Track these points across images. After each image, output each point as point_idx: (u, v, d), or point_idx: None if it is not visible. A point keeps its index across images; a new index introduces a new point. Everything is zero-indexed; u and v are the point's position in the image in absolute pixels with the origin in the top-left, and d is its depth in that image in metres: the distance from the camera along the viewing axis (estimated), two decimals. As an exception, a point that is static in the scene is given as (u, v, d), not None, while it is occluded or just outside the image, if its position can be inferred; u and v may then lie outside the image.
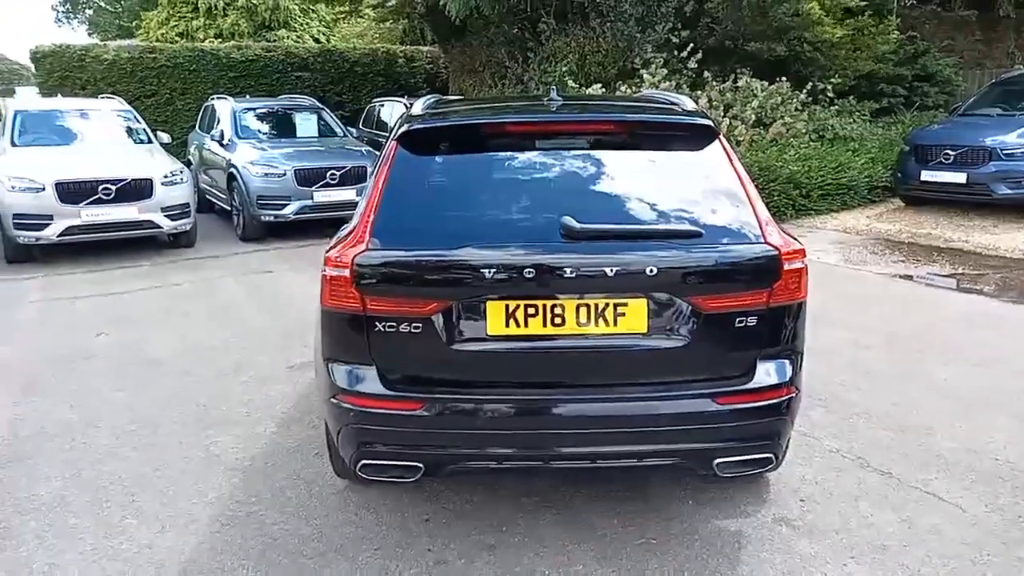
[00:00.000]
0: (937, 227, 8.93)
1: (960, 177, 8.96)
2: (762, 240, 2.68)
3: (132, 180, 8.05)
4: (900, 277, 7.07)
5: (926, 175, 9.28)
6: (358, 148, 10.15)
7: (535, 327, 2.64)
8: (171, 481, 3.47)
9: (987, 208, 9.19)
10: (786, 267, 2.66)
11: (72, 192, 7.77)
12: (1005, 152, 8.71)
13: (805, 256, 2.74)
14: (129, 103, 10.77)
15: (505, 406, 2.72)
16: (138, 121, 9.78)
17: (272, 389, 4.51)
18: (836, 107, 11.95)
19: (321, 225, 8.53)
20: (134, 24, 25.01)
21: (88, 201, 7.82)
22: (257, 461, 3.65)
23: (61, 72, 14.45)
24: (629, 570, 2.79)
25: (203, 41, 18.85)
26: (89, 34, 35.59)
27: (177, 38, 19.95)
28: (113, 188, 7.89)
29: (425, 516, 3.15)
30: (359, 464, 2.78)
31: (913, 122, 12.13)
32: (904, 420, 3.95)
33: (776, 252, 2.65)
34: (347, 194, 8.83)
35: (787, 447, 2.96)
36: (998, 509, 3.14)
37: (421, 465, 2.76)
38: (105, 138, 9.20)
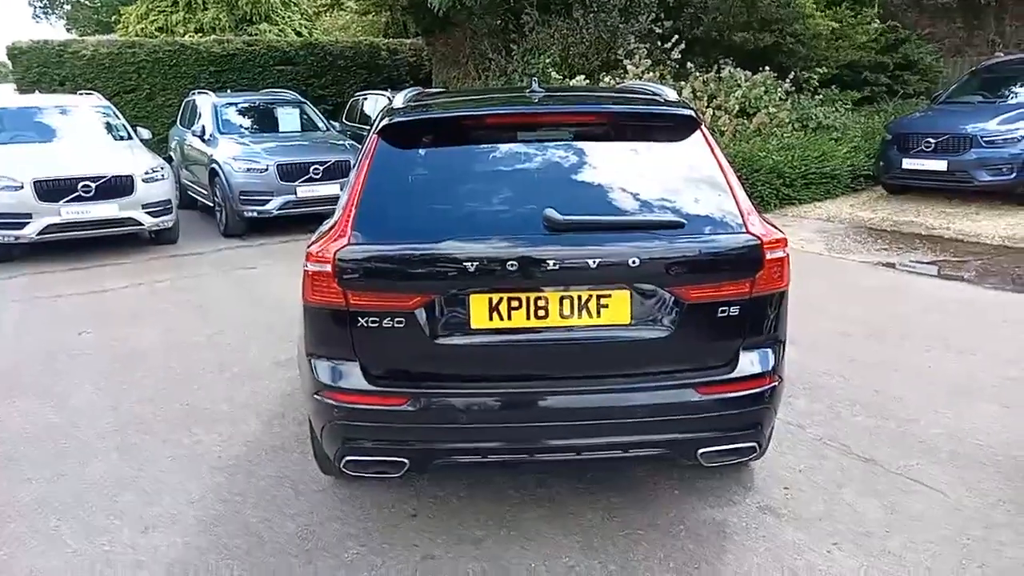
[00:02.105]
0: (919, 215, 8.98)
1: (941, 165, 9.01)
2: (744, 230, 2.68)
3: (112, 177, 7.96)
4: (883, 265, 7.12)
5: (908, 163, 9.33)
6: (341, 142, 10.09)
7: (519, 320, 2.63)
8: (154, 481, 3.45)
9: (968, 195, 9.25)
10: (768, 256, 2.67)
11: (51, 190, 7.68)
12: (985, 139, 8.77)
13: (787, 245, 2.75)
14: (108, 99, 10.64)
15: (490, 399, 2.72)
16: (118, 117, 9.67)
17: (256, 386, 4.48)
18: (819, 96, 11.99)
19: (304, 220, 8.46)
20: (113, 19, 24.67)
21: (68, 199, 7.72)
22: (241, 459, 3.63)
23: (39, 68, 14.26)
24: (615, 561, 2.80)
25: (183, 35, 18.60)
26: (67, 30, 35.05)
27: (157, 33, 19.68)
28: (93, 185, 7.80)
29: (411, 511, 3.14)
30: (344, 460, 2.77)
31: (895, 110, 12.17)
32: (887, 407, 3.98)
33: (758, 242, 2.66)
34: (330, 189, 8.77)
35: (771, 436, 2.98)
36: (980, 494, 3.17)
37: (406, 460, 2.75)
38: (84, 135, 9.08)
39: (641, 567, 2.77)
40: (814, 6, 11.93)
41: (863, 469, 3.39)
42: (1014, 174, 8.61)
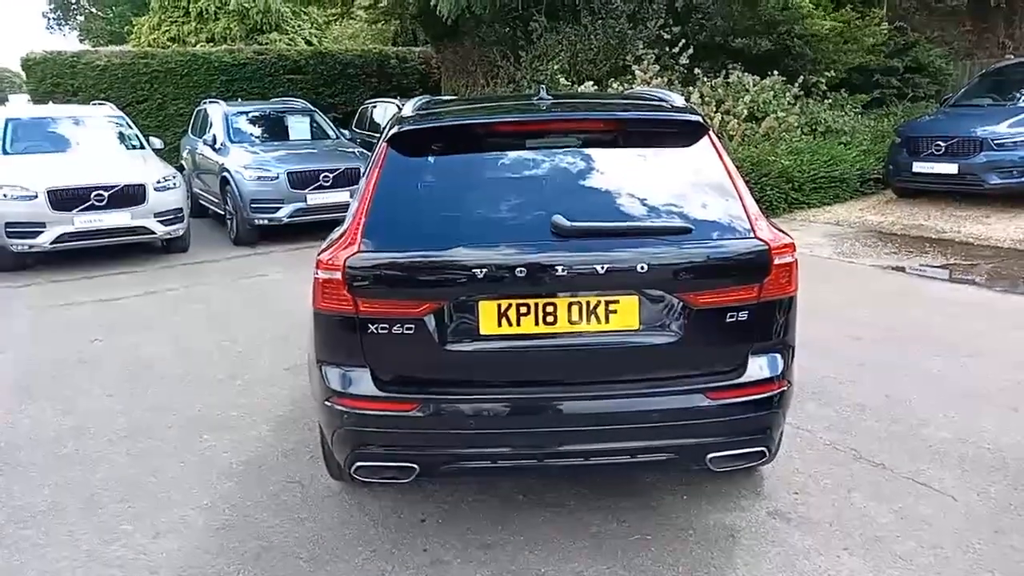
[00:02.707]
0: (929, 218, 8.95)
1: (951, 168, 8.99)
2: (752, 235, 2.69)
3: (125, 186, 8.04)
4: (892, 269, 7.09)
5: (918, 166, 9.31)
6: (351, 150, 10.15)
7: (528, 326, 2.64)
8: (166, 486, 3.48)
9: (979, 198, 9.21)
10: (776, 261, 2.67)
11: (65, 199, 7.76)
12: (996, 142, 8.74)
13: (795, 250, 2.75)
14: (121, 109, 10.75)
15: (499, 405, 2.73)
16: (130, 127, 9.76)
17: (266, 392, 4.51)
18: (828, 100, 11.96)
19: (315, 228, 8.50)
20: (125, 30, 24.95)
21: (81, 208, 7.80)
22: (252, 465, 3.65)
23: (53, 79, 14.45)
24: (624, 566, 2.80)
25: (195, 45, 18.81)
26: (80, 40, 35.43)
27: (169, 43, 19.92)
28: (106, 194, 7.88)
29: (420, 516, 3.15)
30: (354, 466, 2.79)
31: (905, 114, 12.14)
32: (896, 412, 3.97)
33: (766, 247, 2.66)
34: (340, 196, 8.79)
35: (780, 441, 2.98)
36: (989, 498, 3.15)
37: (416, 466, 2.76)
38: (97, 144, 9.17)
39: (649, 572, 2.77)
40: (812, 6, 11.88)
41: (873, 473, 3.38)
42: (1024, 177, 8.58)
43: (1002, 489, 3.21)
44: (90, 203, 7.82)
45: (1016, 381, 4.31)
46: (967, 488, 3.23)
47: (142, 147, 9.43)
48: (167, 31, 20.67)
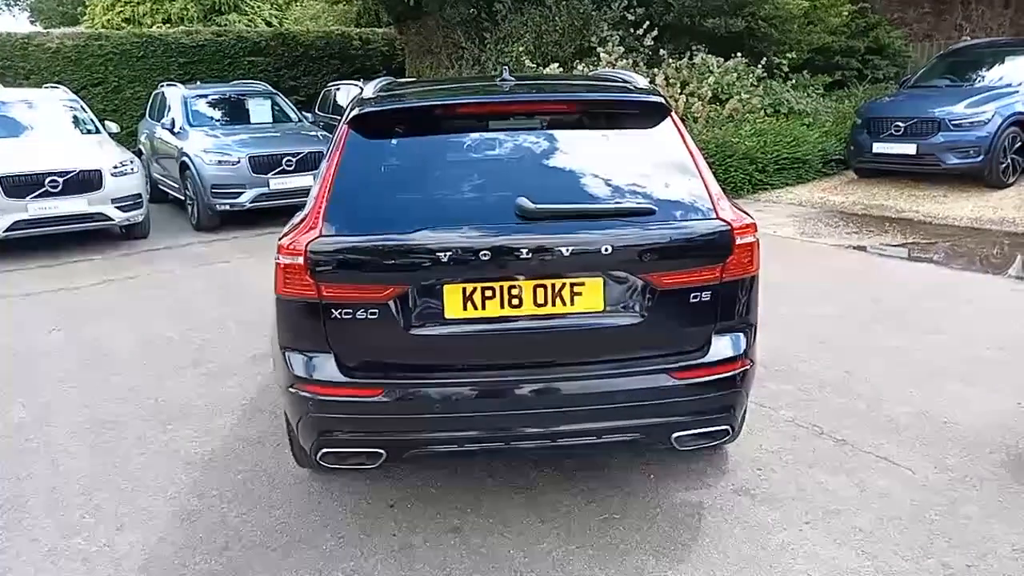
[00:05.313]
0: (889, 198, 9.11)
1: (910, 148, 9.13)
2: (714, 216, 2.71)
3: (80, 172, 7.84)
4: (853, 248, 7.22)
5: (877, 147, 9.44)
6: (314, 133, 10.01)
7: (493, 309, 2.64)
8: (129, 478, 3.42)
9: (937, 178, 9.38)
10: (738, 241, 2.70)
11: (17, 186, 7.55)
12: (953, 122, 8.89)
13: (756, 230, 2.78)
14: (75, 92, 10.47)
15: (464, 389, 2.72)
16: (84, 111, 9.49)
17: (231, 381, 4.45)
18: (791, 82, 12.06)
19: (278, 213, 8.37)
20: (78, 11, 24.23)
21: (35, 195, 7.60)
22: (217, 454, 3.61)
23: (3, 62, 13.99)
24: (593, 545, 2.83)
25: (151, 27, 18.34)
26: (31, 22, 34.33)
27: (124, 24, 19.38)
28: (60, 180, 7.68)
29: (389, 502, 3.15)
30: (320, 453, 2.77)
31: (865, 95, 12.29)
32: (857, 388, 4.05)
33: (728, 227, 2.69)
34: (304, 180, 8.66)
35: (743, 418, 3.03)
36: (946, 470, 3.24)
37: (382, 451, 2.75)
38: (50, 129, 8.89)
39: (618, 550, 2.80)
40: None
41: (834, 449, 3.45)
42: (981, 157, 8.75)
43: (958, 461, 3.30)
44: (44, 189, 7.62)
45: (973, 356, 4.42)
46: (925, 461, 3.31)
47: (97, 131, 9.19)
48: (122, 12, 20.12)
